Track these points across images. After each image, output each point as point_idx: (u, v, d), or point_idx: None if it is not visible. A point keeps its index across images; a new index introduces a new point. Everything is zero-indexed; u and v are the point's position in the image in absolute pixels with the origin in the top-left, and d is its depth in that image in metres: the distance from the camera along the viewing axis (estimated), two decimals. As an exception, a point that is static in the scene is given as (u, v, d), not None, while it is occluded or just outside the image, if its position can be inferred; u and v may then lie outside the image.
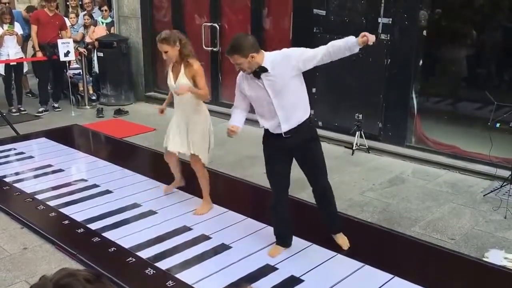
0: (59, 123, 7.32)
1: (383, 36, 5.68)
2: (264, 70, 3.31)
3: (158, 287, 3.37)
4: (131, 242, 3.90)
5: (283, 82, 3.33)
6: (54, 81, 8.15)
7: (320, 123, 6.12)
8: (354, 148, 5.93)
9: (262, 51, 3.37)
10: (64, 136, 6.77)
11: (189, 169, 4.46)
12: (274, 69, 3.31)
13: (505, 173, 4.79)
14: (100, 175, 5.31)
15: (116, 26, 8.64)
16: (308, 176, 3.66)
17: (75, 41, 8.17)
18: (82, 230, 4.12)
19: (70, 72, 8.20)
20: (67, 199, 4.72)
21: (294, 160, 3.61)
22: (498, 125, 4.63)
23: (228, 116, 3.66)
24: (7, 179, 5.20)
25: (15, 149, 6.22)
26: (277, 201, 3.65)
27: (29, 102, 8.28)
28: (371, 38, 3.18)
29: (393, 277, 3.44)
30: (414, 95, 5.75)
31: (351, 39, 3.25)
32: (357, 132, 5.91)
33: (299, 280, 3.42)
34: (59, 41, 7.53)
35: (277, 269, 3.55)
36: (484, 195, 4.77)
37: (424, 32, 5.61)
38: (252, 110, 3.60)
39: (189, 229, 4.14)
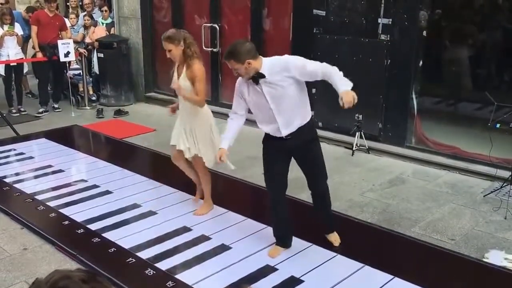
0: (59, 124, 7.33)
1: (383, 37, 5.69)
2: (262, 76, 3.31)
3: (158, 288, 3.37)
4: (131, 242, 3.90)
5: (281, 89, 3.32)
6: (54, 82, 8.15)
7: (320, 124, 6.12)
8: (354, 148, 5.93)
9: (261, 57, 3.37)
10: (64, 136, 6.77)
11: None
12: (272, 75, 3.30)
13: (505, 174, 4.79)
14: (100, 176, 5.31)
15: (116, 27, 8.64)
16: (308, 177, 3.67)
17: (75, 42, 8.18)
18: (82, 230, 4.12)
19: (70, 73, 8.20)
20: (67, 199, 4.72)
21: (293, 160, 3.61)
22: (498, 125, 4.63)
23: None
24: (7, 180, 5.20)
25: (15, 149, 6.22)
26: (277, 201, 3.65)
27: (29, 103, 8.28)
28: (346, 105, 3.09)
29: (393, 278, 3.44)
30: (414, 96, 5.75)
31: (341, 87, 3.14)
32: (357, 133, 5.91)
33: (299, 281, 3.41)
34: (59, 42, 7.54)
35: (277, 269, 3.55)
36: (484, 196, 4.77)
37: (424, 33, 5.61)
38: (251, 112, 3.61)
39: (189, 229, 4.14)
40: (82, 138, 7.04)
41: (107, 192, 4.89)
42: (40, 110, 7.81)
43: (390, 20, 5.61)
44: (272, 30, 6.97)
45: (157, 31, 8.32)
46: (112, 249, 3.82)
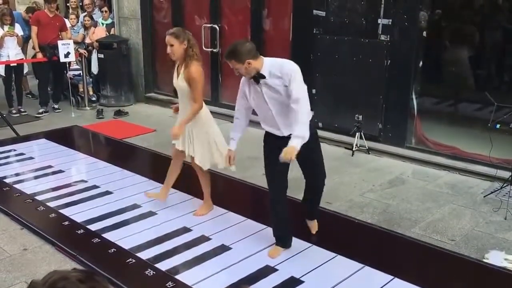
0: (59, 124, 7.33)
1: (383, 37, 5.69)
2: (262, 76, 3.33)
3: (158, 288, 3.37)
4: (131, 243, 3.90)
5: (279, 92, 3.33)
6: (54, 82, 8.15)
7: (320, 124, 6.11)
8: (354, 149, 5.93)
9: (262, 57, 3.38)
10: (64, 137, 6.77)
11: (191, 169, 4.45)
12: (271, 78, 3.33)
13: (505, 174, 4.79)
14: (100, 176, 5.31)
15: (116, 27, 8.65)
16: (307, 175, 3.70)
17: (75, 42, 8.18)
18: (82, 231, 4.12)
19: (70, 73, 8.20)
20: (67, 200, 4.72)
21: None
22: (498, 126, 4.63)
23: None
24: (7, 180, 5.20)
25: (15, 150, 6.22)
26: (277, 200, 3.66)
27: (29, 103, 8.28)
28: (281, 160, 3.18)
29: (393, 278, 3.44)
30: (414, 96, 5.75)
31: (291, 140, 3.20)
32: (357, 133, 5.91)
33: (299, 281, 3.41)
34: (59, 42, 7.54)
35: (277, 270, 3.55)
36: (484, 196, 4.77)
37: (424, 33, 5.61)
38: (254, 111, 3.62)
39: (189, 230, 4.14)
40: (82, 138, 7.04)
41: (107, 193, 4.89)
42: (40, 111, 7.82)
43: (390, 20, 5.61)
44: (272, 30, 6.97)
45: (157, 31, 8.33)
46: (112, 250, 3.82)
